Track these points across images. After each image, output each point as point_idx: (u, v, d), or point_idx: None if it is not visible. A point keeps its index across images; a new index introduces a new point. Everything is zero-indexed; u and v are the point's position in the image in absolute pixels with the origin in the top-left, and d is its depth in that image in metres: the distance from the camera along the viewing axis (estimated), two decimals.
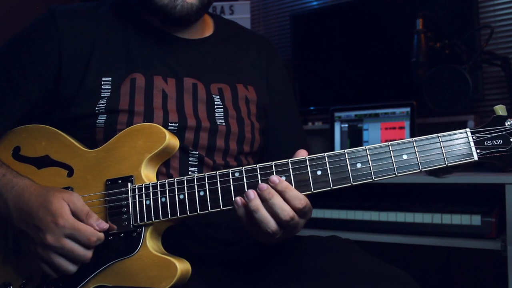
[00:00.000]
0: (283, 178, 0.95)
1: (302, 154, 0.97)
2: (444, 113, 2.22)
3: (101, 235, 1.02)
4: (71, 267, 1.02)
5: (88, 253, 1.02)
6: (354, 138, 2.33)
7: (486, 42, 1.90)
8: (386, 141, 2.21)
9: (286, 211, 0.92)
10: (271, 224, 0.93)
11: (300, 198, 0.93)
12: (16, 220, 1.06)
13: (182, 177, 1.02)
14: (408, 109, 2.21)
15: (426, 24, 1.98)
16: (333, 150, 2.31)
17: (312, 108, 2.66)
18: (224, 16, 2.66)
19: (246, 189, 0.97)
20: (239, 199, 0.95)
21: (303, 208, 0.94)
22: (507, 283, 1.67)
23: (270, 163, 0.97)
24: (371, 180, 0.93)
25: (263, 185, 0.93)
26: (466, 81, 1.77)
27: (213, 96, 1.21)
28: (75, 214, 1.02)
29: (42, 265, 1.04)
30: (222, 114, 1.20)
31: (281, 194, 0.93)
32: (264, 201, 0.93)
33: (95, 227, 1.01)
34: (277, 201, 0.92)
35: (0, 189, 1.08)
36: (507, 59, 1.97)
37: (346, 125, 2.36)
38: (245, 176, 0.98)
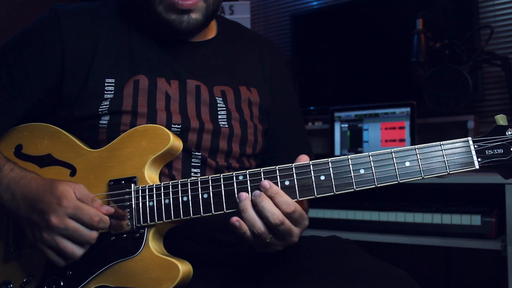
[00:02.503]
0: (287, 183, 0.97)
1: (303, 159, 0.99)
2: (444, 113, 2.22)
3: (105, 217, 1.02)
4: (77, 250, 1.02)
5: (92, 234, 1.02)
6: (354, 138, 2.33)
7: (486, 42, 1.90)
8: (386, 141, 2.22)
9: (275, 215, 0.95)
10: (258, 224, 0.96)
11: (288, 203, 0.96)
12: (22, 208, 1.05)
13: (186, 179, 1.02)
14: (408, 109, 2.21)
15: (426, 24, 1.98)
16: (333, 150, 2.33)
17: (312, 108, 2.66)
18: (224, 16, 2.67)
19: (249, 193, 0.98)
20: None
21: (292, 213, 0.96)
22: (507, 283, 1.68)
23: (274, 167, 0.98)
24: (374, 186, 0.94)
25: (256, 191, 0.96)
26: (466, 81, 1.77)
27: (216, 98, 1.21)
28: (80, 200, 1.02)
29: (48, 253, 1.03)
30: (225, 116, 1.20)
31: (272, 198, 0.96)
32: (255, 205, 0.96)
33: (101, 210, 1.02)
34: (267, 205, 0.95)
35: (8, 183, 1.08)
36: (507, 59, 1.97)
37: (346, 125, 2.36)
38: (249, 180, 0.98)
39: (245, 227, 0.97)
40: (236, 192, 0.99)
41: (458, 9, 2.25)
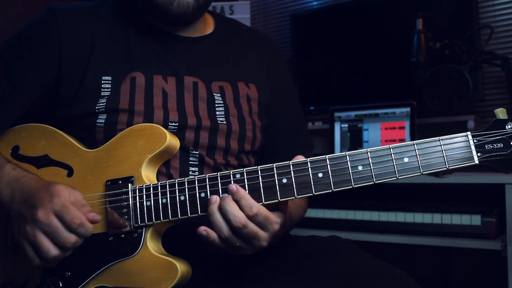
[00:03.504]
0: (285, 180, 0.96)
1: (298, 159, 0.98)
2: (444, 113, 2.22)
3: (88, 224, 1.01)
4: (52, 249, 1.00)
5: (70, 237, 1.00)
6: (354, 138, 2.33)
7: (486, 42, 1.90)
8: (386, 141, 2.22)
9: (237, 217, 0.95)
10: (224, 229, 0.96)
11: (251, 206, 0.96)
12: (17, 203, 1.05)
13: (183, 178, 1.02)
14: (408, 109, 2.21)
15: (426, 24, 1.97)
16: (333, 150, 2.33)
17: (312, 108, 2.65)
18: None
19: (247, 191, 0.97)
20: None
21: (255, 216, 0.95)
22: (507, 283, 1.67)
23: (271, 164, 0.98)
24: (372, 182, 0.93)
25: (224, 194, 0.97)
26: (466, 81, 1.77)
27: (214, 94, 1.21)
28: (72, 203, 1.02)
29: (26, 247, 1.03)
30: (223, 112, 1.20)
31: (237, 202, 0.96)
32: (220, 208, 0.96)
33: (88, 215, 1.02)
34: (230, 207, 0.95)
35: (9, 180, 1.08)
36: (507, 59, 1.97)
37: (346, 125, 2.36)
38: (246, 178, 0.98)
39: (213, 235, 0.97)
40: None
41: (458, 9, 2.25)
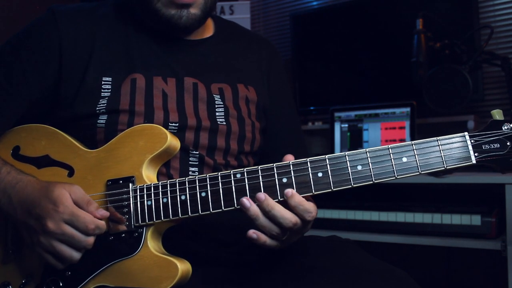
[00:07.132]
0: (285, 180, 0.97)
1: (289, 159, 0.99)
2: (444, 113, 2.22)
3: (101, 222, 1.02)
4: (75, 254, 1.02)
5: (89, 239, 1.01)
6: (354, 138, 2.33)
7: (486, 42, 1.90)
8: (386, 141, 2.22)
9: (288, 219, 0.95)
10: (274, 229, 0.96)
11: (310, 210, 0.97)
12: (19, 212, 1.05)
13: (184, 178, 1.02)
14: (408, 109, 2.22)
15: (426, 24, 1.98)
16: (333, 150, 2.33)
17: (312, 108, 2.66)
18: (224, 16, 2.67)
19: (247, 190, 0.98)
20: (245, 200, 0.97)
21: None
22: (507, 283, 1.67)
23: (272, 164, 0.98)
24: (371, 182, 0.94)
25: (261, 196, 0.96)
26: (466, 81, 1.77)
27: (214, 95, 1.21)
28: (76, 203, 1.02)
29: (46, 256, 1.04)
30: (222, 113, 1.20)
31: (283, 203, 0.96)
32: (265, 212, 0.96)
33: (96, 214, 1.02)
34: (277, 212, 0.95)
35: (4, 187, 1.08)
36: (507, 59, 1.97)
37: (346, 125, 2.36)
38: (247, 178, 0.98)
39: (263, 236, 0.97)
40: (234, 190, 0.99)
41: (458, 9, 2.26)
